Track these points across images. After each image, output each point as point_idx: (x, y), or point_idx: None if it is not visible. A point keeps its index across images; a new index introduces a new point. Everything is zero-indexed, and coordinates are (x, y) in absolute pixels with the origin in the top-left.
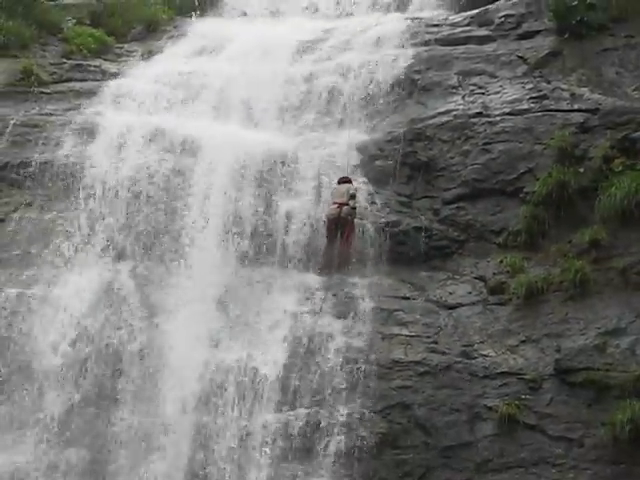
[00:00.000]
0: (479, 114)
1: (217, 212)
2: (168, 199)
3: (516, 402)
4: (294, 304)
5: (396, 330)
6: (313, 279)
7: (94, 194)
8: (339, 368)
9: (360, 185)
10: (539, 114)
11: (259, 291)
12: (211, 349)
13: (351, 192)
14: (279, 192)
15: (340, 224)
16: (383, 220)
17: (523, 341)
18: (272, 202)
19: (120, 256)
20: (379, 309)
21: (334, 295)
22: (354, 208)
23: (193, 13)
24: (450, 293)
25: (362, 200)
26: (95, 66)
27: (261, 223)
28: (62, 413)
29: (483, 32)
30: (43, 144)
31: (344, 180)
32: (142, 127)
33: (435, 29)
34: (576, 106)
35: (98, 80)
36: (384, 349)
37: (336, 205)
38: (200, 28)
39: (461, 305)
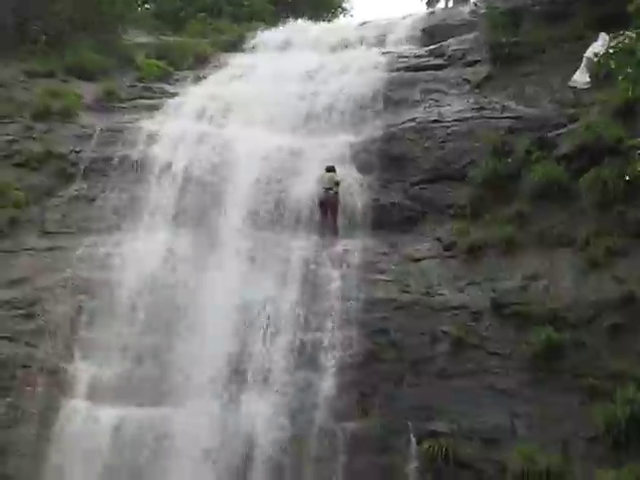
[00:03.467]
0: (436, 121)
1: (249, 192)
2: (214, 182)
3: (464, 328)
4: (303, 258)
5: (377, 276)
6: (316, 241)
7: (160, 179)
8: (336, 304)
9: (350, 172)
10: (478, 120)
11: (278, 247)
12: (244, 289)
13: (335, 180)
14: (292, 177)
15: (328, 204)
16: (368, 198)
17: (468, 284)
18: (287, 185)
19: (179, 224)
20: (365, 261)
21: (331, 251)
22: (337, 193)
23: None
24: (416, 250)
25: (352, 183)
26: (159, 88)
27: (280, 198)
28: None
29: (439, 61)
30: (122, 144)
31: (329, 169)
32: (193, 131)
33: (404, 59)
34: (505, 114)
35: (161, 98)
36: (369, 290)
37: (324, 190)
38: (235, 60)
39: (424, 258)
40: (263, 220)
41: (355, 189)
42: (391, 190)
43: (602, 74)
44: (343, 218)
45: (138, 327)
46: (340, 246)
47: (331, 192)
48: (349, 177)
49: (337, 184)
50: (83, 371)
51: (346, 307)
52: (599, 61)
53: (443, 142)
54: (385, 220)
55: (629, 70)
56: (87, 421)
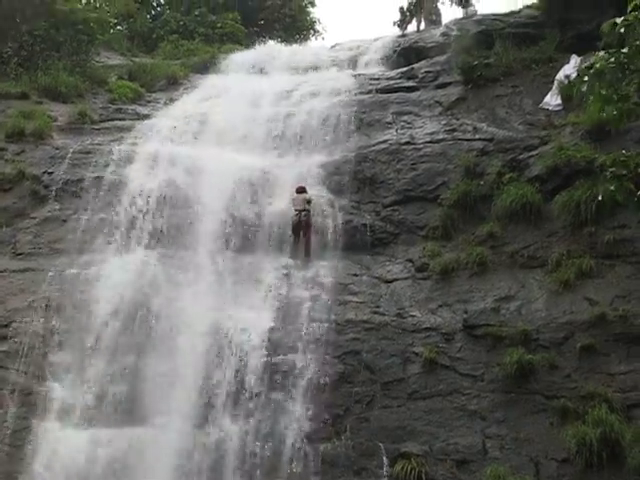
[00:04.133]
0: (408, 142)
1: (222, 213)
2: (186, 203)
3: (436, 349)
4: (275, 280)
5: (349, 298)
6: (288, 262)
7: (132, 200)
8: (308, 325)
9: (321, 194)
10: (450, 142)
11: (250, 269)
12: (216, 311)
13: (307, 199)
14: (264, 198)
15: (302, 225)
16: (340, 219)
17: (440, 305)
18: (259, 205)
19: (151, 246)
20: (337, 283)
21: (303, 273)
22: (308, 211)
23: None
24: (388, 271)
25: (324, 204)
26: (131, 109)
27: (252, 219)
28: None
29: (410, 83)
30: (94, 165)
31: (300, 189)
32: (165, 153)
33: (376, 81)
34: (477, 136)
35: (133, 119)
36: (340, 312)
37: (296, 212)
38: (207, 82)
39: (396, 279)
40: (235, 241)
41: (327, 210)
42: (363, 211)
43: (574, 96)
44: (315, 239)
45: (110, 348)
46: (312, 268)
47: (303, 213)
48: (321, 198)
49: (309, 203)
50: (55, 392)
51: (318, 329)
52: (570, 83)
53: (415, 164)
54: (357, 242)
55: (600, 91)
56: (59, 442)
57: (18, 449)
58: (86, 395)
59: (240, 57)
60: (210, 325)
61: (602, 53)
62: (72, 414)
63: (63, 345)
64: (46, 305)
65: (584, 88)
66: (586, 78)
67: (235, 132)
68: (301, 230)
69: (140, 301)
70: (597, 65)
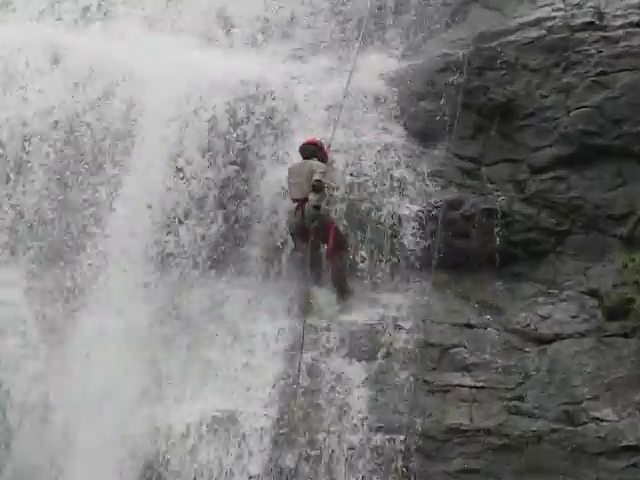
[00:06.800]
0: (590, 25)
1: (162, 187)
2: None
3: None
4: (279, 336)
5: (455, 378)
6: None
7: None
8: (361, 442)
9: (389, 139)
10: None
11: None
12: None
13: (316, 176)
14: (259, 159)
15: (311, 234)
16: (433, 199)
17: None
18: (244, 170)
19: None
20: (425, 343)
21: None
22: (318, 206)
23: None
24: (542, 317)
25: (395, 166)
26: None
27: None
28: None
29: None
30: None
31: (308, 150)
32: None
33: None
34: None
35: None
36: (435, 409)
37: (295, 204)
38: None
39: (560, 337)
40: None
41: (402, 177)
42: (486, 182)
43: None
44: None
45: None
46: (361, 308)
47: (311, 206)
48: (388, 152)
49: (319, 190)
50: None
51: (382, 448)
52: None
53: (605, 73)
54: (471, 249)
55: None
56: None
57: None
58: None
59: None
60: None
61: None
62: None
63: None
64: None
65: None
66: None
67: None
68: (312, 242)
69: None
70: None
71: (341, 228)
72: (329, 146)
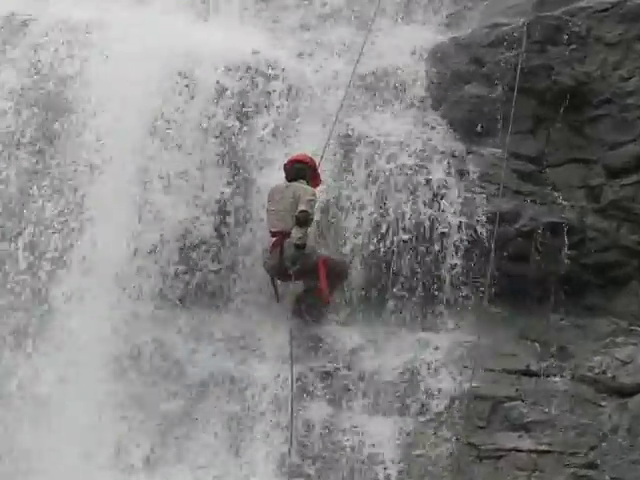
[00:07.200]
0: None
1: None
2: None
3: None
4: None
5: (510, 440)
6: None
7: None
8: None
9: (427, 133)
10: None
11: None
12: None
13: (302, 206)
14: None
15: (294, 278)
16: (480, 211)
17: None
18: (237, 170)
19: None
20: (472, 396)
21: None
22: (301, 245)
23: None
24: (623, 362)
25: (435, 170)
26: None
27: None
28: None
29: None
30: None
31: (295, 167)
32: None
33: None
34: None
35: None
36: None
37: (274, 237)
38: None
39: None
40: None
41: (444, 182)
42: (551, 188)
43: None
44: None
45: None
46: (394, 347)
47: (296, 240)
48: (424, 148)
49: (304, 222)
50: None
51: None
52: None
53: None
54: (531, 275)
55: None
56: None
57: None
58: None
59: None
60: None
61: None
62: None
63: None
64: None
65: None
66: None
67: None
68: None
69: None
70: None
71: (334, 257)
72: (319, 164)
